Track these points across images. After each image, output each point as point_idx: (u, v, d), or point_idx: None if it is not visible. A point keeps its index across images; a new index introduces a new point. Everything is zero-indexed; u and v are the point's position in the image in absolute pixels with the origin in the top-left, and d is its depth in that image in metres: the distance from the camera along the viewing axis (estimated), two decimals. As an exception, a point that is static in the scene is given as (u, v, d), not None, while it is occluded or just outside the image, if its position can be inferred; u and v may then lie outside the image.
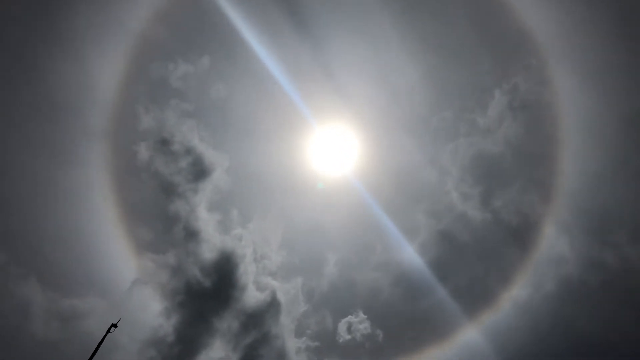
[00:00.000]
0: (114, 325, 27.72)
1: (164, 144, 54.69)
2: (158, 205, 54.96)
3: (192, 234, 53.68)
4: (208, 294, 52.21)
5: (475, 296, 66.12)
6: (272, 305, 54.63)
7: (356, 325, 61.35)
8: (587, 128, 68.39)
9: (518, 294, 63.32)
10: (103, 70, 61.27)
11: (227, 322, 52.05)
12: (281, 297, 55.61)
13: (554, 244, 66.13)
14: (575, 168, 66.66)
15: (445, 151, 75.93)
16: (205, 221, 54.98)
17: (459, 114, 75.02)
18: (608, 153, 69.36)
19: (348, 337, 60.72)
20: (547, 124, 69.87)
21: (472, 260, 71.13)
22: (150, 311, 50.63)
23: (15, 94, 58.08)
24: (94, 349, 27.30)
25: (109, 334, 28.52)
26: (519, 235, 69.00)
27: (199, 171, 56.18)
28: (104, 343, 28.15)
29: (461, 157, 73.47)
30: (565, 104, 67.37)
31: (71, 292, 50.60)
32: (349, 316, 62.28)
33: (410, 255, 70.03)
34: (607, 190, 68.85)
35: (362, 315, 62.11)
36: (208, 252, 53.79)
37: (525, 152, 73.01)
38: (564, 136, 66.67)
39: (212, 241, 54.33)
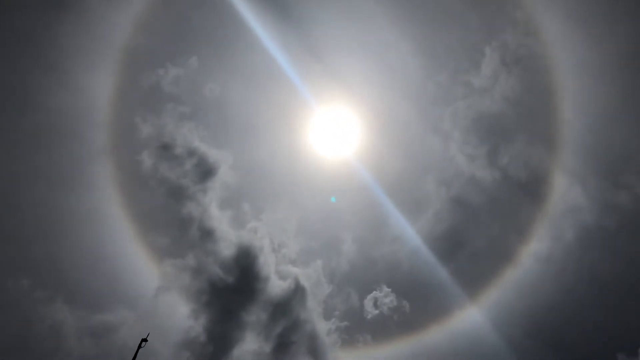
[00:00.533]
0: (145, 340, 27.95)
1: (166, 149, 55.10)
2: (170, 210, 55.51)
3: (207, 234, 54.19)
4: (232, 289, 52.75)
5: (495, 255, 66.17)
6: (297, 292, 55.17)
7: (382, 299, 61.87)
8: (583, 72, 67.86)
9: (538, 248, 63.17)
10: (96, 89, 61.75)
11: (255, 315, 52.62)
12: (304, 282, 56.10)
13: (567, 194, 65.90)
14: (577, 114, 66.26)
15: (445, 115, 75.74)
16: (219, 219, 55.49)
17: (453, 76, 74.69)
18: (607, 94, 68.88)
19: (375, 312, 61.31)
20: (542, 74, 69.46)
21: (487, 222, 71.09)
22: (179, 315, 51.32)
23: (16, 126, 58.74)
24: None
25: (140, 349, 28.76)
26: (530, 190, 68.90)
27: (205, 171, 56.61)
28: (137, 357, 28.39)
29: (462, 119, 73.28)
30: (557, 52, 66.86)
31: (99, 308, 51.34)
32: (374, 292, 62.90)
33: (424, 227, 70.11)
34: (612, 131, 68.45)
35: (386, 289, 62.62)
36: (226, 249, 54.29)
37: (525, 105, 72.67)
38: (561, 84, 66.19)
39: (228, 238, 54.83)
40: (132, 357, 28.19)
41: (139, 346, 27.89)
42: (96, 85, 61.94)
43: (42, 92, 60.52)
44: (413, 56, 77.60)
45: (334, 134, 73.01)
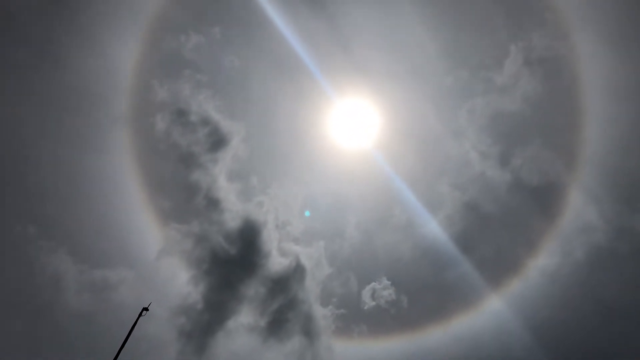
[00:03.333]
0: (146, 309, 27.72)
1: (180, 114, 54.93)
2: (179, 176, 55.67)
3: (213, 203, 54.34)
4: (233, 261, 52.97)
5: (502, 265, 65.45)
6: (297, 270, 55.29)
7: (380, 291, 61.57)
8: (610, 89, 66.18)
9: (546, 263, 62.47)
10: (122, 54, 61.62)
11: (253, 289, 52.87)
12: (305, 261, 56.21)
13: (581, 212, 64.94)
14: (600, 133, 64.82)
15: (462, 111, 74.76)
16: (226, 190, 55.55)
17: (475, 72, 73.50)
18: (633, 117, 67.24)
19: (373, 303, 61.02)
20: (567, 81, 68.22)
21: (498, 231, 70.50)
22: (178, 280, 51.64)
23: (47, 85, 59.04)
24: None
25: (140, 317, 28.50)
26: (545, 203, 67.92)
27: (217, 141, 56.49)
28: (135, 316, 28.18)
29: (479, 117, 72.34)
30: (585, 63, 65.32)
31: (100, 264, 51.80)
32: (373, 283, 62.50)
33: (434, 227, 69.66)
34: (634, 155, 67.02)
35: (385, 282, 62.32)
36: (231, 220, 54.44)
37: (545, 110, 71.57)
38: (586, 96, 64.74)
39: (234, 209, 54.94)
40: (131, 323, 27.95)
41: (140, 314, 27.65)
42: (122, 50, 61.76)
43: (71, 54, 60.40)
44: (436, 50, 76.31)
45: (352, 125, 72.36)
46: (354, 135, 72.98)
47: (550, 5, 68.18)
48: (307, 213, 68.32)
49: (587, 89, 63.42)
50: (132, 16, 61.37)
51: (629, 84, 66.18)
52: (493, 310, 59.97)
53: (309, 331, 52.88)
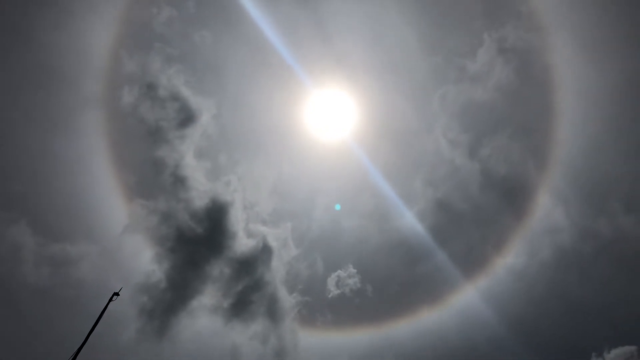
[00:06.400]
0: (116, 294, 26.99)
1: (149, 88, 53.24)
2: (145, 151, 54.17)
3: (180, 180, 53.19)
4: (199, 240, 52.18)
5: (470, 262, 66.58)
6: (263, 252, 55.12)
7: (345, 279, 61.42)
8: (582, 90, 67.48)
9: (513, 262, 63.99)
10: (95, 33, 58.84)
11: (218, 269, 52.41)
12: (272, 242, 56.03)
13: (549, 213, 66.52)
14: (571, 134, 66.17)
15: (434, 98, 75.38)
16: (194, 167, 54.51)
17: (449, 58, 73.88)
18: (604, 120, 69.06)
19: (337, 291, 60.75)
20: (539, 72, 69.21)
21: (468, 229, 71.79)
22: (142, 257, 50.62)
23: (16, 63, 55.88)
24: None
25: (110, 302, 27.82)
26: (514, 203, 69.35)
27: (186, 117, 55.14)
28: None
29: (451, 104, 73.15)
30: (561, 73, 66.15)
31: (61, 237, 50.28)
32: (339, 270, 62.48)
33: (407, 221, 70.12)
34: (603, 158, 69.03)
35: (351, 270, 62.15)
36: (197, 198, 53.49)
37: (517, 100, 72.77)
38: (558, 100, 65.62)
39: (200, 188, 54.02)
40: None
41: (110, 299, 26.86)
42: (96, 28, 58.98)
43: (41, 29, 57.23)
44: (414, 41, 76.30)
45: (328, 114, 71.72)
46: (329, 123, 72.59)
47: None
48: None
49: (559, 87, 64.71)
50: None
51: (600, 86, 67.93)
52: (460, 304, 61.11)
53: (273, 313, 53.16)
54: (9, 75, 54.38)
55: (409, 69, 77.47)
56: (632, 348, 53.13)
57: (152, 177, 54.22)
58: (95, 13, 57.98)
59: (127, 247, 50.52)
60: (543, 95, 66.29)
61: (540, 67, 67.74)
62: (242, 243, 54.62)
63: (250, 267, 53.78)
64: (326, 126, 72.38)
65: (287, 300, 55.55)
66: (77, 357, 21.58)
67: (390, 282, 66.98)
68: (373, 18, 75.17)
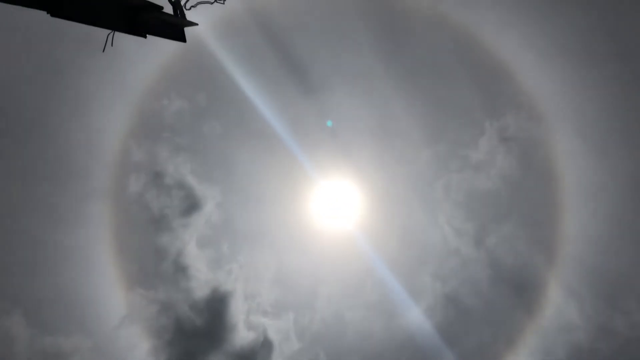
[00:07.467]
0: None
1: (156, 176, 54.16)
2: (148, 238, 54.02)
3: (182, 270, 52.57)
4: (198, 332, 50.71)
5: None
6: (264, 346, 53.03)
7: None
8: (589, 185, 67.02)
9: None
10: (107, 128, 60.53)
11: (217, 363, 50.30)
12: (273, 335, 54.04)
13: (562, 309, 63.89)
14: (579, 229, 64.99)
15: (439, 188, 75.56)
16: (196, 257, 54.02)
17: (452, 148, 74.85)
18: (612, 216, 68.16)
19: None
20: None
21: (479, 325, 68.98)
22: (138, 350, 49.01)
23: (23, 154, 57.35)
24: None
25: None
26: (525, 298, 67.06)
27: (190, 205, 55.49)
28: None
29: (455, 193, 73.04)
30: (564, 165, 66.51)
31: (55, 330, 48.74)
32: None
33: (416, 317, 67.69)
34: (614, 254, 67.46)
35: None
36: (198, 289, 52.56)
37: (521, 191, 72.67)
38: (563, 196, 65.47)
39: (202, 278, 53.19)
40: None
41: None
42: (109, 123, 60.55)
43: (57, 123, 59.01)
44: (417, 132, 77.77)
45: (332, 203, 71.99)
46: (334, 214, 72.61)
47: (523, 90, 70.96)
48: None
49: (562, 179, 64.61)
50: (122, 88, 60.97)
51: (605, 180, 67.49)
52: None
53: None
54: (17, 166, 55.47)
55: (412, 158, 78.41)
56: None
57: (153, 266, 53.74)
58: (110, 108, 60.00)
59: (123, 340, 49.03)
60: (546, 187, 66.09)
61: (542, 158, 68.20)
62: (242, 336, 52.80)
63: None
64: (330, 216, 72.25)
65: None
66: None
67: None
68: (377, 109, 77.39)
